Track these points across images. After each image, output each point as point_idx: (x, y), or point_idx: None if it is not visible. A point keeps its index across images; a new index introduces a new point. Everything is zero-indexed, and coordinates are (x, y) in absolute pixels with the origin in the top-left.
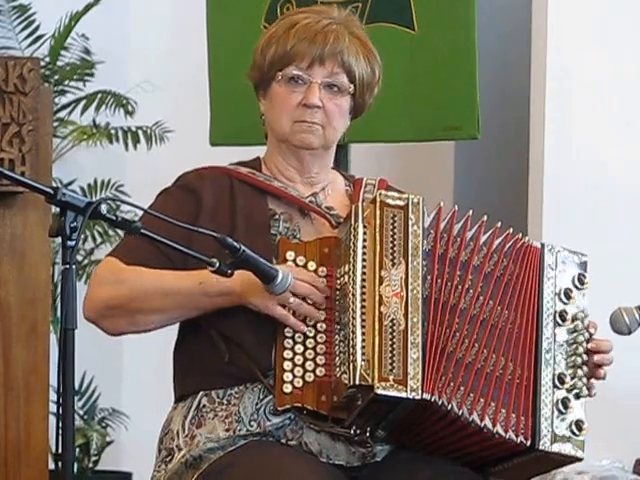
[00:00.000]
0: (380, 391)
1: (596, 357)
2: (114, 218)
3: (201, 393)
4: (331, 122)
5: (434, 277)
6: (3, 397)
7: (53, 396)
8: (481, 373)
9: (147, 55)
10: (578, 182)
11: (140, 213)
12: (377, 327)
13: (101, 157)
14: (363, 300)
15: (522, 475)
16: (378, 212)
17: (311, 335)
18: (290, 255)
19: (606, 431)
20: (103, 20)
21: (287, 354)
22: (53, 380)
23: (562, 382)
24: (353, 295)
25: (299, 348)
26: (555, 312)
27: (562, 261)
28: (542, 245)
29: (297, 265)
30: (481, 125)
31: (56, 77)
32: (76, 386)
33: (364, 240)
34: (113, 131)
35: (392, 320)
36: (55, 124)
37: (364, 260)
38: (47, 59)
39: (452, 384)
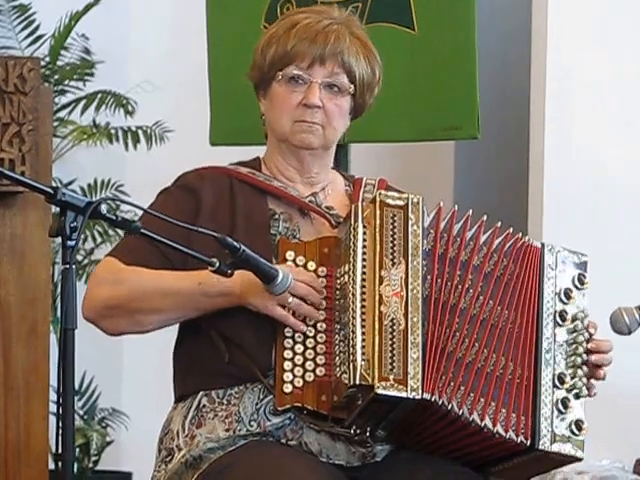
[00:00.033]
0: (380, 391)
1: (593, 357)
2: (114, 218)
3: (201, 393)
4: (331, 122)
5: (434, 277)
6: (3, 397)
7: (53, 396)
8: (481, 373)
9: (147, 55)
10: (578, 182)
11: (140, 213)
12: (377, 327)
13: (101, 157)
14: (363, 300)
15: (522, 475)
16: (378, 212)
17: (311, 335)
18: (290, 255)
19: (606, 431)
20: (103, 20)
21: (287, 354)
22: (53, 380)
23: (562, 382)
24: (353, 295)
25: (299, 348)
26: (555, 312)
27: (562, 261)
28: (542, 245)
29: (297, 265)
30: (481, 125)
31: (56, 77)
32: (76, 386)
33: (364, 240)
34: (113, 131)
35: (392, 320)
36: (55, 124)
37: (364, 260)
38: (47, 59)
39: (452, 384)
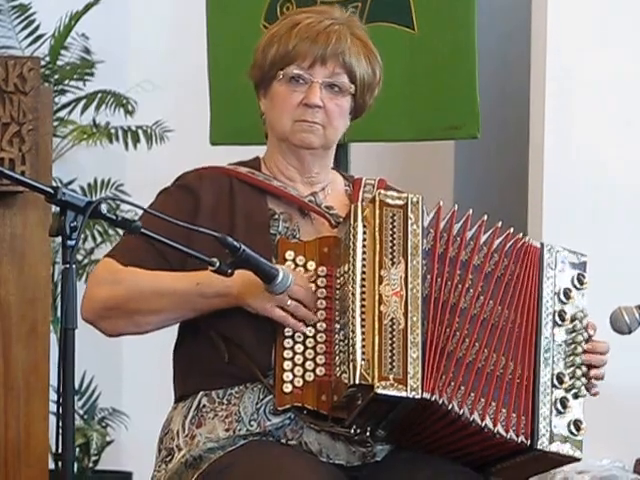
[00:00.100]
0: (380, 390)
1: (586, 356)
2: (114, 217)
3: (201, 393)
4: (332, 122)
5: (434, 276)
6: (3, 397)
7: (53, 396)
8: (481, 373)
9: (147, 55)
10: (578, 182)
11: (140, 212)
12: (377, 326)
13: (101, 156)
14: (363, 299)
15: (521, 474)
16: (377, 211)
17: (311, 335)
18: (289, 255)
19: (606, 431)
20: (103, 20)
21: (287, 354)
22: (53, 380)
23: (561, 382)
24: (353, 294)
25: (299, 348)
26: (554, 312)
27: (561, 261)
28: (541, 245)
29: (297, 265)
30: (481, 125)
31: (56, 77)
32: (76, 386)
33: (364, 239)
34: (113, 130)
35: (392, 319)
36: (55, 123)
37: (364, 259)
38: (47, 59)
39: (453, 384)
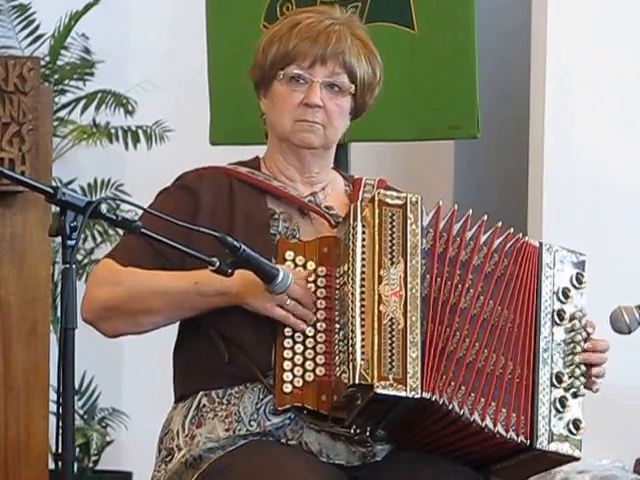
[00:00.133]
0: (380, 390)
1: (585, 355)
2: (114, 217)
3: (201, 393)
4: (332, 122)
5: (433, 276)
6: (3, 397)
7: (53, 396)
8: (481, 373)
9: (147, 55)
10: (578, 182)
11: (140, 212)
12: (376, 326)
13: (101, 156)
14: (362, 299)
15: (521, 474)
16: (377, 211)
17: (311, 335)
18: (289, 255)
19: (606, 430)
20: (103, 20)
21: (287, 354)
22: (53, 380)
23: (560, 381)
24: (352, 294)
25: (299, 348)
26: (553, 311)
27: (560, 260)
28: (540, 244)
29: (296, 265)
30: (481, 124)
31: (56, 76)
32: (76, 386)
33: (363, 239)
34: (113, 130)
35: (391, 319)
36: (55, 123)
37: (363, 259)
38: (47, 58)
39: (453, 383)
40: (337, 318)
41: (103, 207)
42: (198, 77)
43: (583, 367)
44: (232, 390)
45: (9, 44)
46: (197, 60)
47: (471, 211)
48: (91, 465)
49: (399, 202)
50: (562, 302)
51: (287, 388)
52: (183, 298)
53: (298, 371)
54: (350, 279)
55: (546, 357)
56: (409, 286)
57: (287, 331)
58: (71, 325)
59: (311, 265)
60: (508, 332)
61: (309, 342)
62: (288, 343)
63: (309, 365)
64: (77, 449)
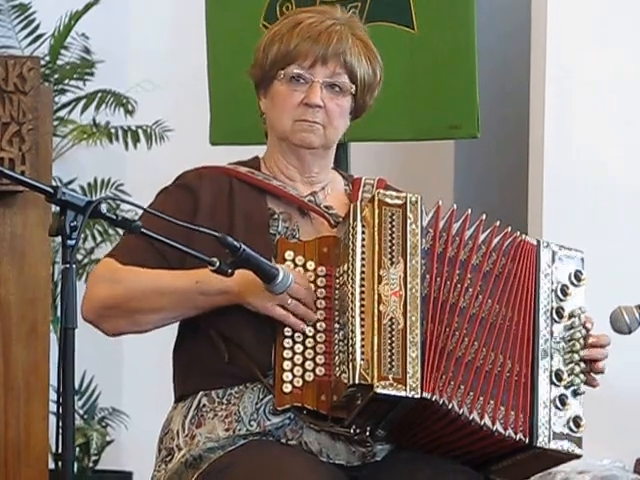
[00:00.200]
0: (379, 390)
1: (587, 351)
2: (114, 217)
3: (201, 393)
4: (332, 122)
5: (433, 276)
6: (3, 397)
7: (53, 396)
8: (480, 371)
9: (147, 55)
10: (578, 182)
11: (140, 212)
12: (376, 326)
13: (101, 156)
14: (362, 299)
15: (522, 473)
16: (377, 211)
17: (310, 334)
18: (289, 255)
19: (607, 430)
20: (103, 19)
21: (287, 354)
22: (53, 380)
23: (559, 379)
24: (352, 294)
25: (299, 348)
26: (552, 309)
27: (558, 258)
28: (538, 242)
29: (296, 265)
30: (481, 124)
31: (56, 76)
32: (76, 385)
33: (363, 239)
34: (113, 130)
35: (391, 319)
36: (55, 123)
37: (363, 259)
38: (47, 58)
39: (452, 383)
40: (337, 318)
41: (103, 207)
42: (198, 77)
43: (583, 364)
44: (232, 390)
45: (9, 44)
46: (197, 60)
47: (470, 210)
48: (91, 465)
49: (399, 202)
50: (561, 299)
51: (287, 388)
52: (185, 297)
53: (298, 371)
54: (350, 279)
55: (545, 355)
56: (409, 286)
57: (287, 331)
58: (71, 325)
59: (311, 265)
60: (506, 330)
61: (309, 342)
62: (288, 343)
63: (309, 365)
64: (77, 449)
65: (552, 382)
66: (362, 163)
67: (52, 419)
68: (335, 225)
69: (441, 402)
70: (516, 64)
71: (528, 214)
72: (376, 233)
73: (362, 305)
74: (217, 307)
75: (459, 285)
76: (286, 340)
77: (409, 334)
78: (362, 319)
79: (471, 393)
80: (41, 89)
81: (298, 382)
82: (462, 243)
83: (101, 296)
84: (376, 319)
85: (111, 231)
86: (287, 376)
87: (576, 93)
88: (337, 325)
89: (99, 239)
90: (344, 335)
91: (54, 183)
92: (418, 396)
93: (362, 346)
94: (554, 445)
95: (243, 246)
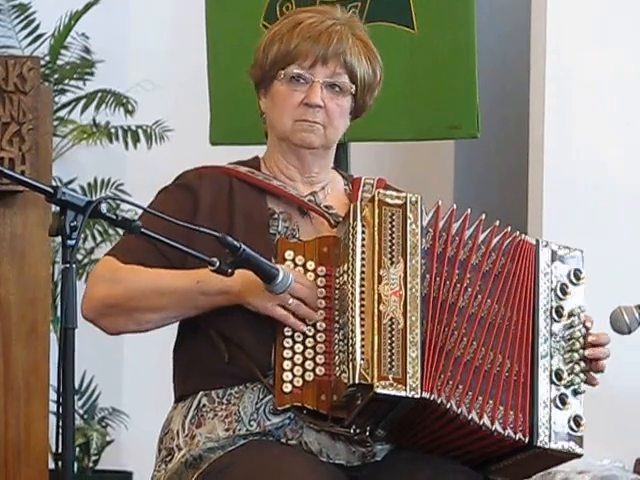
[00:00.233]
0: (379, 390)
1: (589, 351)
2: (114, 217)
3: (201, 393)
4: (332, 122)
5: (433, 276)
6: (3, 397)
7: (53, 395)
8: (479, 371)
9: (147, 55)
10: (578, 182)
11: (140, 212)
12: (376, 326)
13: (101, 156)
14: (362, 299)
15: (523, 472)
16: (376, 211)
17: (310, 334)
18: (289, 254)
19: (606, 431)
20: (103, 19)
21: (287, 353)
22: (53, 380)
23: (559, 378)
24: (352, 294)
25: (299, 347)
26: (551, 308)
27: (558, 257)
28: (537, 241)
29: (296, 265)
30: (481, 123)
31: (56, 76)
32: (76, 385)
33: (363, 239)
34: (113, 130)
35: (391, 319)
36: (55, 123)
37: (363, 259)
38: (47, 58)
39: (451, 382)
40: (337, 318)
41: (103, 207)
42: (198, 77)
43: (583, 363)
44: (232, 390)
45: (9, 44)
46: (197, 60)
47: (470, 210)
48: (91, 465)
49: (399, 202)
50: (560, 298)
51: (287, 388)
52: (186, 297)
53: (298, 371)
54: (350, 279)
55: (545, 354)
56: (409, 286)
57: (287, 331)
58: (71, 325)
59: (311, 265)
60: (506, 330)
61: (309, 342)
62: (288, 343)
63: (309, 365)
64: (77, 449)
65: (552, 381)
66: (362, 163)
67: (52, 419)
68: (335, 225)
69: (439, 401)
70: (516, 64)
71: (528, 214)
72: (376, 233)
73: (362, 305)
74: (217, 307)
75: (458, 285)
76: (286, 340)
77: (409, 334)
78: (362, 319)
79: (470, 393)
80: (41, 89)
81: (298, 382)
82: (462, 243)
83: (101, 295)
84: (376, 319)
85: (111, 231)
86: (287, 376)
87: (576, 93)
88: (337, 325)
89: (99, 239)
90: (344, 335)
91: (54, 183)
92: (418, 396)
93: (362, 346)
94: (555, 445)
95: (243, 246)
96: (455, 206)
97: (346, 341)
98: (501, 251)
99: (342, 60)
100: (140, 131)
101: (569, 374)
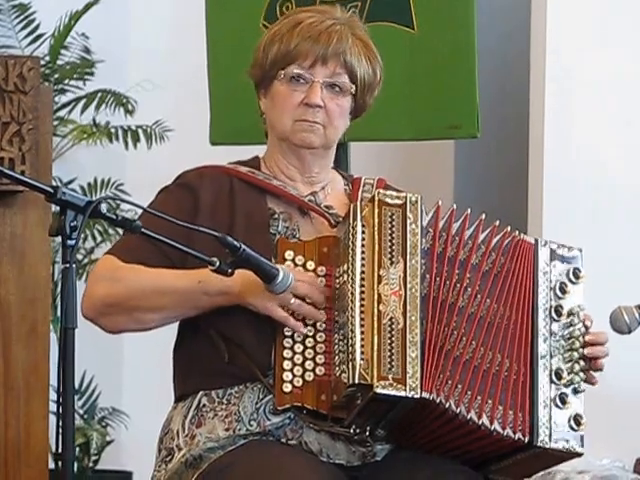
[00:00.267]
0: (379, 390)
1: (588, 350)
2: (114, 217)
3: (201, 393)
4: (332, 122)
5: (432, 275)
6: (3, 397)
7: (53, 395)
8: (478, 370)
9: (147, 55)
10: (578, 182)
11: (140, 212)
12: (376, 326)
13: (101, 156)
14: (362, 299)
15: (524, 472)
16: (376, 211)
17: (310, 334)
18: (289, 254)
19: (606, 430)
20: (103, 19)
21: (287, 353)
22: (53, 379)
23: (559, 377)
24: (352, 294)
25: (299, 347)
26: (551, 307)
27: (557, 256)
28: (536, 240)
29: (296, 264)
30: (481, 123)
31: (56, 76)
32: (76, 385)
33: (363, 239)
34: (113, 130)
35: (391, 319)
36: (55, 123)
37: (363, 259)
38: (47, 58)
39: (450, 382)
40: (337, 318)
41: (103, 207)
42: (198, 77)
43: (582, 362)
44: (232, 390)
45: (9, 44)
46: (197, 60)
47: (470, 210)
48: (91, 465)
49: (399, 202)
50: (559, 298)
51: (287, 388)
52: (186, 297)
53: (298, 371)
54: (350, 279)
55: (544, 354)
56: (409, 286)
57: (287, 331)
58: (71, 325)
59: (311, 265)
60: (504, 329)
61: (309, 342)
62: (288, 343)
63: (309, 365)
64: (77, 449)
65: (552, 381)
66: (362, 163)
67: (52, 419)
68: (335, 225)
69: (438, 401)
70: (516, 64)
71: (528, 214)
72: (376, 233)
73: (362, 305)
74: (217, 307)
75: (458, 285)
76: (286, 340)
77: (409, 334)
78: (362, 319)
79: (469, 392)
80: (41, 89)
81: (298, 382)
82: (462, 243)
83: (101, 294)
84: (376, 319)
85: (111, 231)
86: (287, 376)
87: (576, 93)
88: (337, 325)
89: (99, 239)
90: (344, 335)
91: (54, 183)
92: (418, 396)
93: (362, 346)
94: (555, 444)
95: (243, 246)
96: (455, 206)
97: (346, 341)
98: (500, 250)
99: (342, 60)
100: (140, 131)
101: (569, 373)
